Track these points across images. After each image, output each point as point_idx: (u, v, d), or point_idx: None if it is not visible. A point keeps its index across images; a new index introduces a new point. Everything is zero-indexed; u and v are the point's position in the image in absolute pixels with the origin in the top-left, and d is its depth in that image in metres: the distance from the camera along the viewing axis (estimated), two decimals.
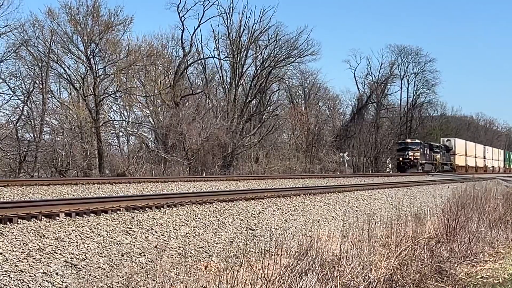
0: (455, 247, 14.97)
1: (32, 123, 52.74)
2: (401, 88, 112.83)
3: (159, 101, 62.70)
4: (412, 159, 76.20)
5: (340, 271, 10.71)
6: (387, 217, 16.69)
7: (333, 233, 14.77)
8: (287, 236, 15.87)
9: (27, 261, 10.68)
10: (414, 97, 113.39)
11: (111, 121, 59.38)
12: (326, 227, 18.36)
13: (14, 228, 12.56)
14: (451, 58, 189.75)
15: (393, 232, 14.11)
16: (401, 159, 77.00)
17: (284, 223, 18.53)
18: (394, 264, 11.75)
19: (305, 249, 11.16)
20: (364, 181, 44.03)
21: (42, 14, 74.45)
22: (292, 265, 10.50)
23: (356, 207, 24.64)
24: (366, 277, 10.90)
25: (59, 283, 10.33)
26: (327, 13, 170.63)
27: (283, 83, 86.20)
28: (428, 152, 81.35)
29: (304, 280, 10.16)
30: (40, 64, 54.83)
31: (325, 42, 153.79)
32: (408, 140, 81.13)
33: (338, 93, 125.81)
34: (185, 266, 11.67)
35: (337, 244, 12.84)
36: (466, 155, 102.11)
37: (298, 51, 78.68)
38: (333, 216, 21.21)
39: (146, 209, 17.00)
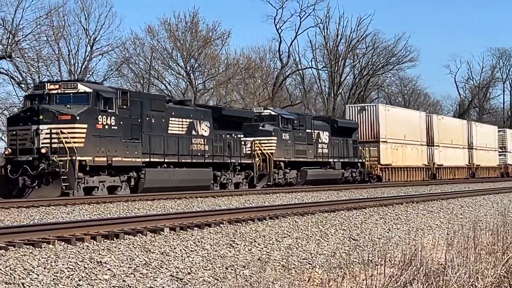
0: None
1: None
2: (503, 91, 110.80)
3: None
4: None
5: (446, 280, 10.56)
6: (493, 224, 16.36)
7: (438, 242, 14.57)
8: (391, 245, 15.73)
9: (134, 276, 10.89)
10: None
11: None
12: (430, 235, 18.11)
13: (120, 243, 12.82)
14: None
15: (499, 239, 13.84)
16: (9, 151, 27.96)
17: (387, 232, 18.37)
18: (501, 272, 11.52)
19: (409, 259, 11.05)
20: (468, 187, 43.26)
21: (142, 32, 75.81)
22: (396, 275, 10.41)
23: (461, 214, 24.23)
24: (472, 286, 10.72)
25: None
26: (425, 18, 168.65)
27: (382, 90, 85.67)
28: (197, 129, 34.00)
29: None
30: (141, 81, 56.05)
31: (424, 48, 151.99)
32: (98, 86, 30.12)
33: (438, 98, 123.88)
34: (289, 278, 11.69)
35: (441, 253, 12.67)
36: (430, 144, 58.19)
37: (397, 58, 78.35)
38: (437, 224, 20.91)
39: (249, 221, 17.09)
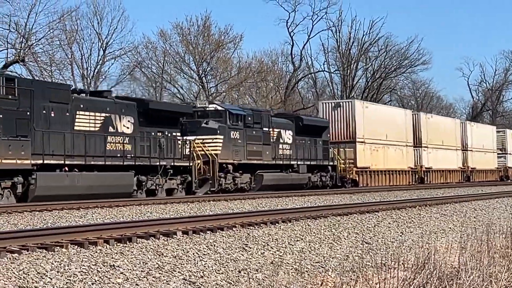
0: None
1: None
2: None
3: None
4: None
5: (459, 283, 10.52)
6: (507, 227, 16.30)
7: (451, 245, 14.52)
8: (404, 249, 15.69)
9: (147, 279, 10.90)
10: None
11: None
12: (443, 238, 18.06)
13: (133, 247, 12.84)
14: None
15: None
16: None
17: (400, 235, 18.33)
18: None
19: (422, 262, 11.01)
20: (482, 190, 43.12)
21: (155, 36, 76.08)
22: (409, 278, 10.37)
23: (474, 217, 24.15)
24: None
25: None
26: (437, 21, 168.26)
27: (394, 93, 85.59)
28: None
29: None
30: (154, 85, 56.17)
31: (437, 51, 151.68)
32: None
33: (451, 101, 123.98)
34: (302, 281, 11.68)
35: (455, 256, 12.62)
36: (418, 145, 53.30)
37: (409, 61, 78.36)
38: (450, 228, 20.85)
39: (261, 225, 17.08)
